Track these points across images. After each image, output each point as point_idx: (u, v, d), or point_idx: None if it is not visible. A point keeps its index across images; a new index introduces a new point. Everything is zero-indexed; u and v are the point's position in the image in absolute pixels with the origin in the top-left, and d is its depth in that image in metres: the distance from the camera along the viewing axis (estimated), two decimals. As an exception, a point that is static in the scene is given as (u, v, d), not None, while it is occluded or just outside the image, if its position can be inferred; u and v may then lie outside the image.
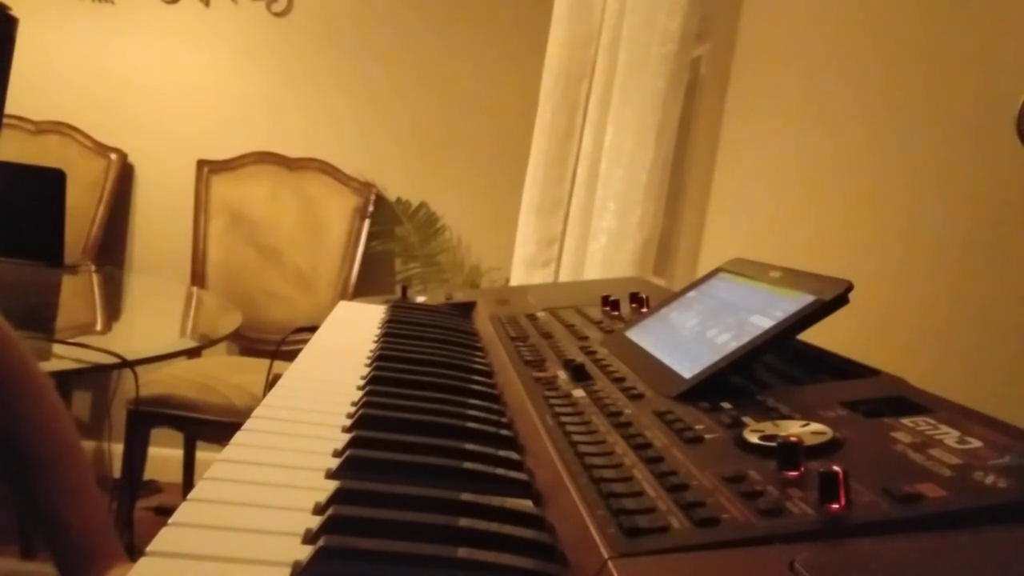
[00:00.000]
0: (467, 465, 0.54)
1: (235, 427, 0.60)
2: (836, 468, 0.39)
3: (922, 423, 0.49)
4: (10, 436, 0.85)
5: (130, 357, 1.52)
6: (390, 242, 2.88)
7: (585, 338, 0.86)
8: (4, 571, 1.09)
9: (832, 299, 0.61)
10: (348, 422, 0.63)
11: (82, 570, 0.82)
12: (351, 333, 0.98)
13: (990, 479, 0.40)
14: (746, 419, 0.53)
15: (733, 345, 0.64)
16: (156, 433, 2.32)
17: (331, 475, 0.53)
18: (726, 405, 0.57)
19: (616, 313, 0.96)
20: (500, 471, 0.54)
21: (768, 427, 0.50)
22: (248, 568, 0.41)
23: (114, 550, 0.84)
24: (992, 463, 0.42)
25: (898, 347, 0.95)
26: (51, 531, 0.84)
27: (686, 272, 1.72)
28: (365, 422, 0.62)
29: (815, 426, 0.49)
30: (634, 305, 0.96)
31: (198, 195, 2.82)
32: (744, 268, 0.80)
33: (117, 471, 2.31)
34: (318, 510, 0.47)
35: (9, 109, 1.28)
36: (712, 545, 0.37)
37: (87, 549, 0.82)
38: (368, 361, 0.81)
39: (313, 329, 0.99)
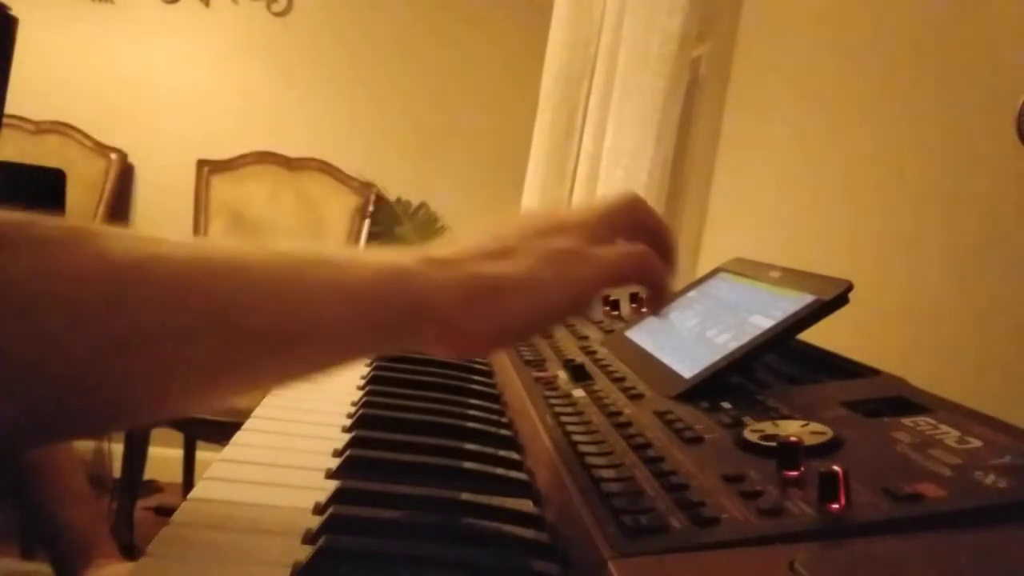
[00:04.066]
0: (467, 465, 0.54)
1: (235, 427, 0.60)
2: (836, 468, 0.39)
3: (922, 423, 0.49)
4: None
5: (130, 357, 1.51)
6: (390, 242, 2.88)
7: (585, 338, 0.86)
8: (4, 571, 1.09)
9: (832, 299, 0.61)
10: (348, 422, 0.63)
11: (77, 569, 0.82)
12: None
13: (990, 479, 0.40)
14: (746, 419, 0.53)
15: (733, 345, 0.64)
16: (156, 433, 2.32)
17: (331, 475, 0.53)
18: (726, 405, 0.57)
19: (616, 313, 0.96)
20: (500, 471, 0.54)
21: (768, 427, 0.50)
22: (248, 568, 0.41)
23: (108, 549, 0.85)
24: (992, 463, 0.42)
25: (898, 347, 0.95)
26: (46, 531, 0.84)
27: (686, 272, 1.72)
28: (365, 422, 0.62)
29: (815, 426, 0.49)
30: (634, 305, 0.96)
31: (198, 195, 2.82)
32: (744, 268, 0.80)
33: (117, 471, 2.31)
34: (318, 510, 0.47)
35: (9, 109, 1.28)
36: (712, 545, 0.37)
37: (82, 548, 0.83)
38: (368, 361, 0.81)
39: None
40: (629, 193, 0.52)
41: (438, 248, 0.46)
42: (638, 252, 0.49)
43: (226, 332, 0.39)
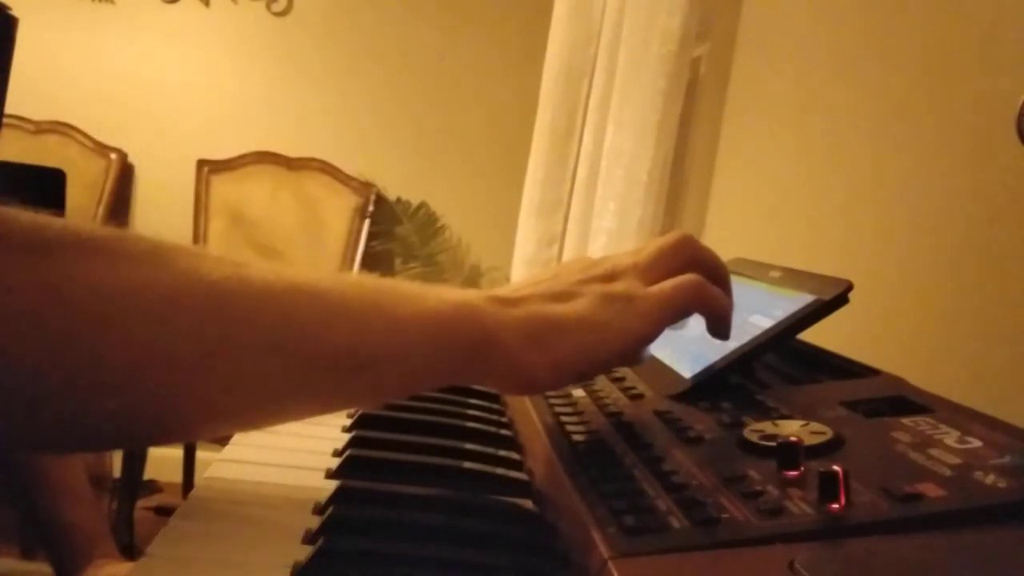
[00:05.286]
0: (467, 465, 0.54)
1: (235, 427, 0.60)
2: (836, 468, 0.39)
3: (922, 423, 0.49)
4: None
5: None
6: (390, 242, 2.88)
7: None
8: (4, 571, 1.09)
9: (832, 299, 0.61)
10: (348, 422, 0.63)
11: (77, 569, 0.82)
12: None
13: (990, 479, 0.40)
14: (746, 419, 0.53)
15: (733, 345, 0.64)
16: (156, 433, 2.32)
17: (331, 475, 0.53)
18: (726, 405, 0.57)
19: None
20: (500, 471, 0.54)
21: (768, 427, 0.50)
22: (248, 568, 0.41)
23: (108, 549, 0.85)
24: (992, 463, 0.42)
25: (898, 347, 0.95)
26: (46, 531, 0.84)
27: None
28: (365, 422, 0.62)
29: (815, 426, 0.49)
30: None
31: (198, 195, 2.82)
32: (744, 268, 0.80)
33: (117, 471, 2.31)
34: (318, 510, 0.47)
35: (9, 109, 1.28)
36: (712, 545, 0.37)
37: (82, 548, 0.83)
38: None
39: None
40: (679, 232, 0.54)
41: (502, 289, 0.48)
42: (690, 281, 0.50)
43: (299, 349, 0.41)
